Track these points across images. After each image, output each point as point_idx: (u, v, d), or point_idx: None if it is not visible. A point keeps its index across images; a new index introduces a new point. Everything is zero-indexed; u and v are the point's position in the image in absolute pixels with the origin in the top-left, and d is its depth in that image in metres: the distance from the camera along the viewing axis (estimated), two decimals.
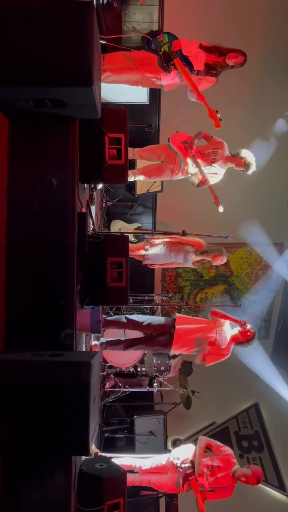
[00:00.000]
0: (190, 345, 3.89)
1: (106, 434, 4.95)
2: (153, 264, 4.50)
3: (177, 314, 4.07)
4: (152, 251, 4.38)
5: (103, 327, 4.01)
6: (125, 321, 4.03)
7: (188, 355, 4.21)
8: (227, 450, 3.78)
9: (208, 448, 3.83)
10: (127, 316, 4.09)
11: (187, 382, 5.16)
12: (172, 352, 4.04)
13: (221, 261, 4.28)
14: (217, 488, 3.61)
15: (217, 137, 4.10)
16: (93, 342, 3.94)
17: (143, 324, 4.04)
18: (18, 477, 2.24)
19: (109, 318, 4.11)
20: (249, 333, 3.85)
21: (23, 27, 2.06)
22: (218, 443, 3.83)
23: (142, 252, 4.41)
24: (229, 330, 3.92)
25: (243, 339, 3.87)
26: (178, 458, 3.78)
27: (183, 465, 3.70)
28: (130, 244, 3.29)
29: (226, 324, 3.93)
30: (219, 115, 3.59)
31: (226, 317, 3.94)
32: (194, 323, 3.99)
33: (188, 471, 3.65)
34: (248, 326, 3.88)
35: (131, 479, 3.79)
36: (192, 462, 3.69)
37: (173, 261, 4.37)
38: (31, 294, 2.44)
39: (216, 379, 5.73)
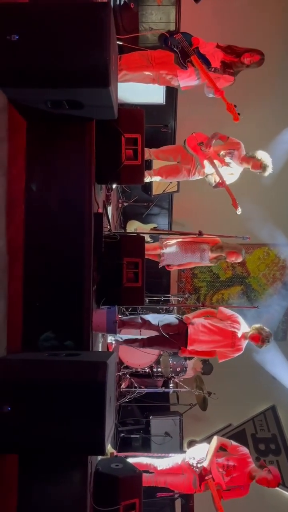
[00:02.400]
0: (203, 343, 3.89)
1: (122, 434, 4.95)
2: (171, 266, 4.47)
3: (185, 315, 4.07)
4: (168, 250, 4.37)
5: (119, 328, 4.03)
6: (140, 321, 4.04)
7: None
8: (243, 449, 3.74)
9: (223, 449, 3.80)
10: (142, 316, 4.10)
11: (203, 383, 5.13)
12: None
13: (235, 258, 4.25)
14: (233, 487, 3.58)
15: (234, 138, 4.07)
16: (109, 340, 3.95)
17: (158, 324, 4.05)
18: (35, 475, 2.26)
19: (124, 318, 4.12)
20: (256, 339, 3.80)
21: (41, 29, 2.08)
22: (234, 442, 3.80)
23: (158, 251, 4.40)
24: (242, 327, 3.89)
25: (252, 339, 3.83)
26: (194, 458, 3.77)
27: (199, 465, 3.69)
28: (145, 244, 3.29)
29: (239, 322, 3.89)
30: (237, 109, 3.56)
31: (230, 319, 3.93)
32: (206, 313, 4.03)
33: (204, 471, 3.64)
34: (254, 330, 3.83)
35: (146, 479, 3.79)
36: None
37: (190, 260, 4.35)
38: (48, 294, 2.46)
39: (232, 381, 5.68)
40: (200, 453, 3.79)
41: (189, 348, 3.90)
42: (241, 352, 3.90)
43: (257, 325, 3.87)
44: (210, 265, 4.52)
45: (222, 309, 4.05)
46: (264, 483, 3.52)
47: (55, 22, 2.09)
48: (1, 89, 2.11)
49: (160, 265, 4.45)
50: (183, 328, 3.93)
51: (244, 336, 3.86)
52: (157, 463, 3.89)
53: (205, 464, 3.65)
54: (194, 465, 3.71)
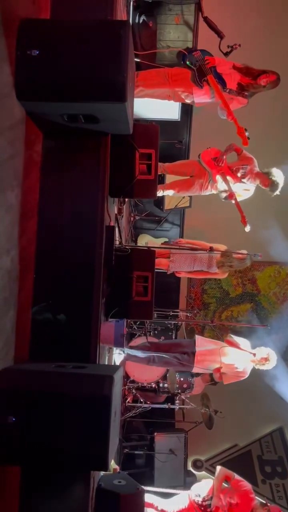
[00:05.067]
0: (210, 364, 4.05)
1: (126, 450, 4.89)
2: (179, 272, 4.50)
3: (197, 336, 4.21)
4: (176, 255, 4.40)
5: (127, 347, 4.11)
6: (148, 344, 4.11)
7: None
8: (246, 485, 3.68)
9: (225, 481, 3.75)
10: (150, 341, 4.18)
11: (210, 401, 5.06)
12: (194, 370, 4.16)
13: (243, 261, 4.26)
14: None
15: (247, 153, 4.08)
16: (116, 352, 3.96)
17: (164, 344, 4.16)
18: (36, 488, 2.24)
19: (135, 345, 4.18)
20: (262, 359, 3.97)
21: (60, 45, 2.12)
22: (237, 476, 3.74)
23: (167, 254, 4.43)
24: (238, 358, 4.00)
25: (258, 362, 3.98)
26: (199, 495, 3.72)
27: (204, 503, 3.65)
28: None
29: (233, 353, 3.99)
30: (247, 133, 3.60)
31: (237, 347, 4.01)
32: (213, 344, 4.13)
33: (209, 509, 3.59)
34: (259, 357, 3.95)
35: None
36: (212, 498, 3.64)
37: (198, 269, 4.38)
38: (57, 305, 2.47)
39: (239, 400, 5.59)
40: (204, 490, 3.76)
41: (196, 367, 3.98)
42: (246, 376, 4.01)
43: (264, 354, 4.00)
44: (219, 276, 4.55)
45: (230, 339, 4.14)
46: None
47: (75, 39, 2.14)
48: (20, 102, 2.15)
49: (169, 270, 4.46)
50: (190, 348, 4.01)
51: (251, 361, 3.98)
52: (161, 504, 3.85)
53: (212, 503, 3.60)
54: (200, 503, 3.67)
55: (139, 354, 4.16)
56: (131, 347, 4.15)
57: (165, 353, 4.14)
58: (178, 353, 4.06)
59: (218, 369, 4.00)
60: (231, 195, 4.00)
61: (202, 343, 4.11)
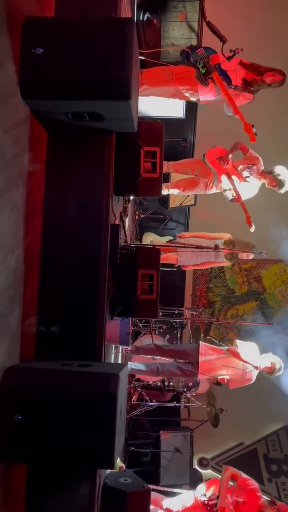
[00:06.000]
0: (214, 373, 4.09)
1: (132, 448, 4.89)
2: (187, 265, 4.52)
3: (201, 343, 4.19)
4: (182, 252, 4.42)
5: (134, 353, 4.11)
6: (154, 347, 4.10)
7: None
8: (253, 484, 3.66)
9: (232, 480, 3.74)
10: (155, 343, 4.16)
11: (215, 399, 5.06)
12: (200, 387, 4.32)
13: (247, 256, 4.31)
14: None
15: (253, 151, 4.06)
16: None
17: (170, 351, 4.17)
18: (42, 486, 2.24)
19: (140, 345, 4.17)
20: (268, 368, 3.98)
21: (65, 43, 2.12)
22: (243, 475, 3.72)
23: (173, 254, 4.45)
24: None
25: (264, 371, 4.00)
26: (205, 495, 3.71)
27: (210, 502, 3.63)
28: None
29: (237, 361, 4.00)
30: (254, 129, 3.57)
31: (239, 358, 4.00)
32: (216, 353, 4.13)
33: (215, 509, 3.58)
34: (263, 365, 3.96)
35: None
36: (218, 497, 3.63)
37: (205, 260, 4.39)
38: (62, 304, 2.47)
39: (245, 399, 5.57)
40: (210, 489, 3.74)
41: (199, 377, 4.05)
42: (251, 382, 4.04)
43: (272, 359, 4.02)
44: (225, 264, 4.55)
45: (233, 348, 4.12)
46: None
47: (80, 37, 2.13)
48: (25, 100, 2.15)
49: (177, 264, 4.48)
50: (195, 356, 4.01)
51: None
52: (167, 503, 3.85)
53: (218, 503, 3.59)
54: (206, 502, 3.66)
55: (142, 367, 4.19)
56: (137, 348, 4.13)
57: (168, 359, 4.16)
58: (181, 363, 4.07)
59: (223, 379, 4.04)
60: (237, 199, 3.99)
61: (206, 351, 4.09)
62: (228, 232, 4.62)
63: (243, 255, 4.31)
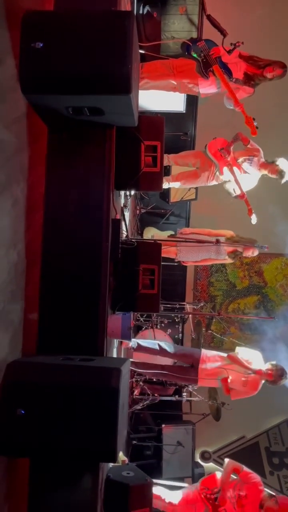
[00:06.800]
0: (214, 382, 4.01)
1: (134, 442, 4.92)
2: (187, 261, 4.48)
3: (202, 351, 4.08)
4: (182, 247, 4.38)
5: (136, 351, 4.10)
6: (158, 348, 4.08)
7: None
8: (255, 477, 3.66)
9: (234, 473, 3.74)
10: (160, 344, 4.14)
11: (217, 393, 5.07)
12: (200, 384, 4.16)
13: (252, 253, 4.27)
14: None
15: (254, 143, 4.06)
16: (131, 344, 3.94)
17: (174, 354, 4.11)
18: (45, 480, 2.26)
19: (143, 343, 4.14)
20: (269, 376, 3.82)
21: (64, 37, 2.11)
22: (245, 468, 3.72)
23: (174, 248, 4.41)
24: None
25: (267, 379, 3.86)
26: (207, 488, 3.73)
27: (212, 496, 3.65)
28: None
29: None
30: (255, 123, 3.56)
31: (241, 365, 3.89)
32: (217, 361, 4.01)
33: (217, 502, 3.59)
34: (271, 366, 3.83)
35: (156, 505, 3.77)
36: (220, 491, 3.64)
37: (206, 257, 4.36)
38: (64, 299, 2.47)
39: None
40: (212, 483, 3.75)
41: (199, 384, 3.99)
42: (255, 393, 3.91)
43: (273, 362, 3.89)
44: (227, 262, 4.52)
45: (233, 354, 4.03)
46: None
47: (79, 30, 2.12)
48: (24, 95, 2.14)
49: (176, 259, 4.45)
50: (197, 361, 3.97)
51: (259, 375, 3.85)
52: (172, 498, 3.86)
53: (220, 495, 3.60)
54: (208, 496, 3.67)
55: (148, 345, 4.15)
56: (140, 347, 4.09)
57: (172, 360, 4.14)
58: (185, 363, 4.02)
59: (225, 379, 3.87)
60: (241, 196, 3.98)
61: (208, 359, 3.99)
62: (230, 226, 4.60)
63: (248, 252, 4.28)
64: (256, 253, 4.29)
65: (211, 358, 4.01)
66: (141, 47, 3.39)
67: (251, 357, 3.94)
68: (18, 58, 2.07)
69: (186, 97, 4.89)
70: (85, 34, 2.11)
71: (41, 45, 2.07)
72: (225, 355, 4.06)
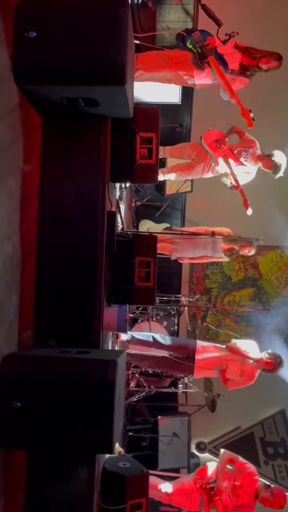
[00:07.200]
0: (211, 373, 4.02)
1: (130, 433, 4.95)
2: (183, 258, 4.45)
3: (198, 342, 4.08)
4: (179, 239, 4.35)
5: (131, 344, 4.10)
6: (151, 341, 4.08)
7: None
8: (250, 467, 3.70)
9: (230, 464, 3.78)
10: (154, 336, 4.14)
11: (213, 384, 5.11)
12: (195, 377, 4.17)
13: (248, 251, 4.25)
14: (240, 506, 3.57)
15: (250, 135, 4.04)
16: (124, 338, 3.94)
17: (169, 346, 4.11)
18: (42, 472, 2.27)
19: (137, 336, 4.14)
20: (269, 364, 3.86)
21: (58, 26, 2.08)
22: (241, 458, 3.76)
23: (170, 240, 4.39)
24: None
25: (265, 368, 3.89)
26: (202, 478, 3.76)
27: (208, 486, 3.69)
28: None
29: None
30: (252, 115, 3.54)
31: (240, 354, 3.91)
32: (214, 351, 4.02)
33: (213, 492, 3.63)
34: (268, 355, 3.86)
35: (151, 494, 3.80)
36: (216, 481, 3.68)
37: (202, 254, 4.34)
38: (59, 292, 2.47)
39: None
40: (208, 473, 3.79)
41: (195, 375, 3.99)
42: (252, 382, 3.93)
43: (269, 351, 3.93)
44: (222, 260, 4.50)
45: (232, 345, 4.04)
46: (265, 503, 3.51)
47: (73, 20, 2.10)
48: (18, 86, 2.12)
49: (173, 257, 4.42)
50: (193, 352, 3.96)
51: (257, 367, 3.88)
52: (164, 487, 3.91)
53: (215, 485, 3.64)
54: (203, 486, 3.70)
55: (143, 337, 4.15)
56: (133, 339, 4.09)
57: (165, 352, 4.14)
58: (180, 355, 4.03)
59: (224, 370, 3.89)
60: (236, 187, 3.97)
61: (204, 349, 4.00)
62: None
63: (244, 251, 4.27)
64: (252, 252, 4.25)
65: (207, 349, 4.03)
66: (136, 38, 3.36)
67: (248, 347, 3.97)
68: (11, 48, 2.04)
69: (182, 88, 4.86)
70: (79, 23, 2.08)
71: (35, 34, 2.04)
72: (222, 346, 4.08)
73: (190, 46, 3.61)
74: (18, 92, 2.15)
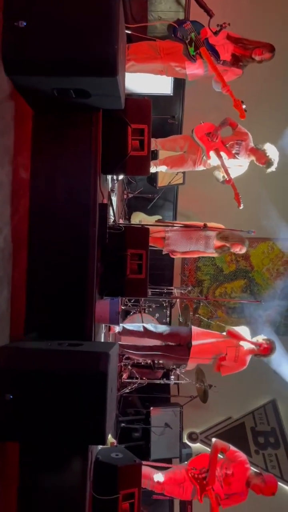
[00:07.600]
0: (206, 360, 4.07)
1: (122, 425, 4.98)
2: (175, 252, 4.42)
3: (193, 328, 4.11)
4: (172, 233, 4.33)
5: (122, 335, 4.10)
6: (142, 330, 4.08)
7: None
8: (241, 456, 3.76)
9: (221, 453, 3.82)
10: (145, 325, 4.14)
11: (204, 376, 5.15)
12: (189, 365, 4.19)
13: (240, 250, 4.23)
14: (232, 494, 3.62)
15: (242, 127, 4.03)
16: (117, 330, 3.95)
17: (160, 334, 4.13)
18: (35, 463, 2.28)
19: (128, 327, 4.15)
20: (266, 349, 3.96)
21: (49, 16, 2.05)
22: (232, 447, 3.81)
23: (163, 234, 4.36)
24: (244, 346, 3.98)
25: (260, 353, 3.98)
26: (195, 468, 3.81)
27: (200, 476, 3.73)
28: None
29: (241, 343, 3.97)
30: (244, 106, 3.53)
31: (241, 339, 3.98)
32: (210, 337, 4.07)
33: (205, 482, 3.67)
34: (263, 341, 3.96)
35: (144, 483, 3.84)
36: (208, 470, 3.72)
37: (194, 248, 4.32)
38: (51, 284, 2.46)
39: (233, 375, 5.69)
40: (200, 463, 3.83)
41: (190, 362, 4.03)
42: (244, 367, 4.00)
43: (264, 337, 4.02)
44: (213, 255, 4.51)
45: (232, 330, 4.10)
46: (257, 491, 3.56)
47: (64, 9, 2.07)
48: (8, 76, 2.09)
49: (165, 251, 4.40)
50: (186, 340, 3.97)
51: (250, 352, 3.96)
52: (157, 476, 3.95)
53: (208, 476, 3.68)
54: (196, 476, 3.75)
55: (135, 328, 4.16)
56: (125, 330, 4.11)
57: (160, 341, 4.16)
58: (173, 342, 4.04)
59: (223, 358, 3.93)
60: (228, 181, 3.96)
61: (199, 337, 4.02)
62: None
63: (236, 249, 4.26)
64: (243, 250, 4.24)
65: (201, 335, 4.06)
66: (127, 28, 3.32)
67: (243, 332, 4.04)
68: (0, 38, 2.01)
69: (173, 79, 4.83)
70: (70, 12, 2.05)
71: (25, 24, 2.01)
72: (216, 332, 4.13)
73: (181, 38, 3.58)
74: (8, 83, 2.12)
